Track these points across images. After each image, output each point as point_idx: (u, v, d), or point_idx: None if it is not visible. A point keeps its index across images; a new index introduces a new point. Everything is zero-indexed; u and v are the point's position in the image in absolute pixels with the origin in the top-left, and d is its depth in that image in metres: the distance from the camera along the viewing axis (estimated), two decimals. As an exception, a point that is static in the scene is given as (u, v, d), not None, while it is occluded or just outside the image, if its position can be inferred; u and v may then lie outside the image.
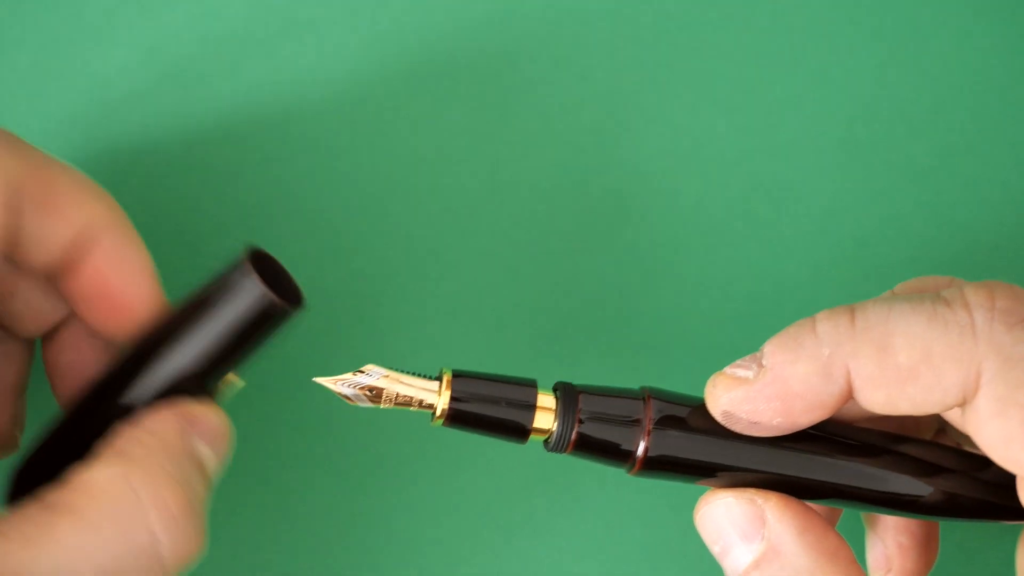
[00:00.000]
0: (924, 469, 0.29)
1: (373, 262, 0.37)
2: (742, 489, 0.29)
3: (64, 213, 0.29)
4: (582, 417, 0.28)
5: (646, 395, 0.29)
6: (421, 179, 0.38)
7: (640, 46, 0.39)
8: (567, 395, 0.28)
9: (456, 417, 0.28)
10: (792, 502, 0.28)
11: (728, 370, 0.28)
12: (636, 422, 0.28)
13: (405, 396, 0.28)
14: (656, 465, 0.28)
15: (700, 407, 0.29)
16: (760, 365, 0.28)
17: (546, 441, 0.28)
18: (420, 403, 0.28)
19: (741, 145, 0.38)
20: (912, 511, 0.29)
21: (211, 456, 0.29)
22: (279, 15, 0.38)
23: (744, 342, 0.34)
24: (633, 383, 0.30)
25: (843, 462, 0.29)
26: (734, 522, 0.28)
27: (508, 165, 0.38)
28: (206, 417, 0.29)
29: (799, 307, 0.37)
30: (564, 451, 0.28)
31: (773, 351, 0.28)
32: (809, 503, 0.29)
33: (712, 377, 0.29)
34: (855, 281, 0.38)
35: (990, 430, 0.26)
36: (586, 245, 0.38)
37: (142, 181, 0.37)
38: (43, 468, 0.29)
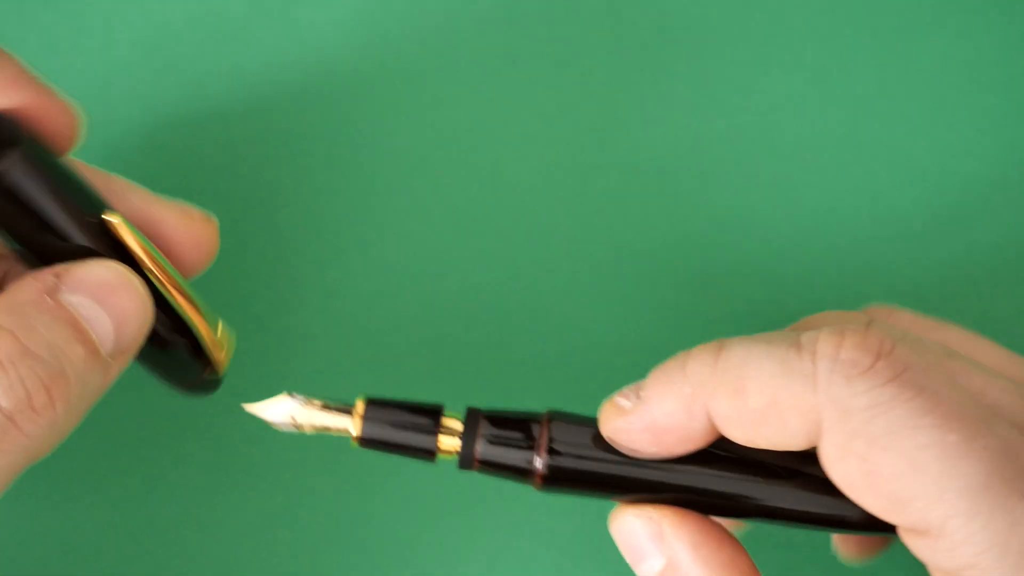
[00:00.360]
0: (823, 488, 0.29)
1: (370, 252, 0.37)
2: (641, 506, 0.30)
3: None
4: (483, 438, 0.30)
5: (547, 417, 0.30)
6: (421, 178, 0.38)
7: (640, 46, 0.39)
8: (470, 418, 0.30)
9: (367, 442, 0.30)
10: (688, 517, 0.30)
11: (616, 396, 0.30)
12: (533, 442, 0.30)
13: (323, 424, 0.30)
14: (555, 482, 0.30)
15: (596, 427, 0.30)
16: (638, 396, 0.29)
17: (458, 460, 0.31)
18: (337, 430, 0.31)
19: (741, 145, 0.38)
20: (806, 524, 0.30)
21: (91, 308, 0.28)
22: (279, 15, 0.38)
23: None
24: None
25: (738, 480, 0.30)
26: (636, 538, 0.30)
27: (507, 164, 0.38)
28: (79, 267, 0.28)
29: (799, 307, 0.37)
30: (472, 469, 0.31)
31: (649, 384, 0.29)
32: (715, 518, 0.30)
33: (604, 402, 0.30)
34: (854, 281, 0.38)
35: (835, 474, 0.27)
36: (585, 244, 0.38)
37: (142, 180, 0.37)
38: None
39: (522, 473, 0.30)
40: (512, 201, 0.38)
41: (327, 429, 0.30)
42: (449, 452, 0.31)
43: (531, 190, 0.38)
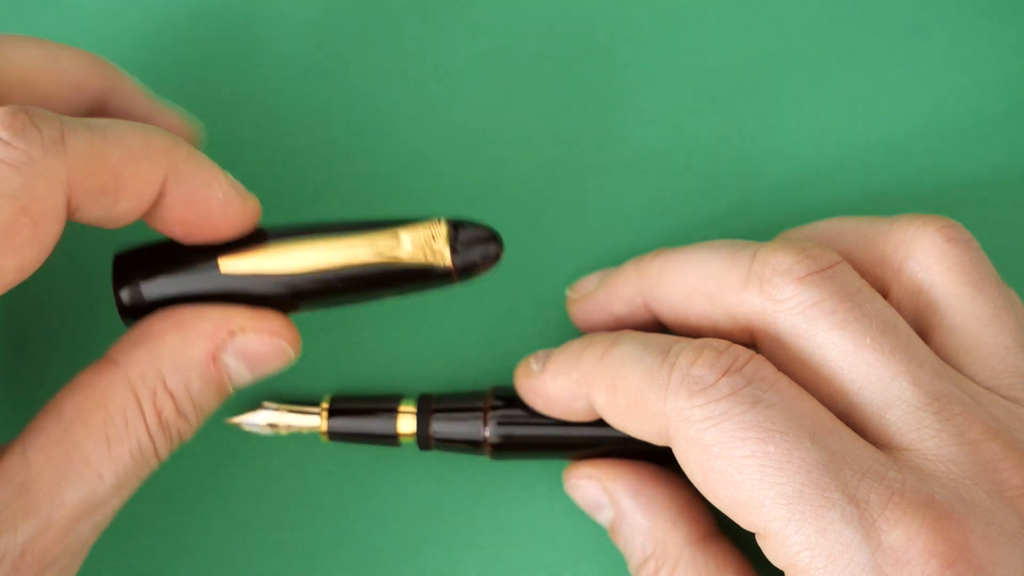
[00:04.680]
0: None
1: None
2: (581, 465, 0.34)
3: (127, 192, 0.29)
4: (435, 419, 0.34)
5: (490, 392, 0.34)
6: (423, 178, 0.38)
7: (640, 46, 0.39)
8: (422, 403, 0.34)
9: (335, 435, 0.35)
10: (624, 467, 0.33)
11: (531, 357, 0.34)
12: (478, 414, 0.34)
13: (296, 425, 0.35)
14: (504, 448, 0.34)
15: None
16: (543, 365, 0.33)
17: (416, 442, 0.34)
18: (309, 429, 0.35)
19: (741, 145, 0.38)
20: None
21: (242, 372, 0.32)
22: (278, 16, 0.38)
23: (744, 342, 0.34)
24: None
25: None
26: (585, 497, 0.34)
27: (507, 164, 0.38)
28: (253, 335, 0.31)
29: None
30: (430, 448, 0.34)
31: (552, 359, 0.33)
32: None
33: (522, 359, 0.34)
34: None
35: (686, 471, 0.30)
36: (584, 244, 0.38)
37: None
38: (140, 260, 0.31)
39: (474, 444, 0.34)
40: (513, 201, 0.38)
41: (300, 429, 0.35)
42: (408, 435, 0.34)
43: (531, 190, 0.38)
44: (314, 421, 0.35)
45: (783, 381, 0.29)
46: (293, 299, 0.32)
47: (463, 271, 0.32)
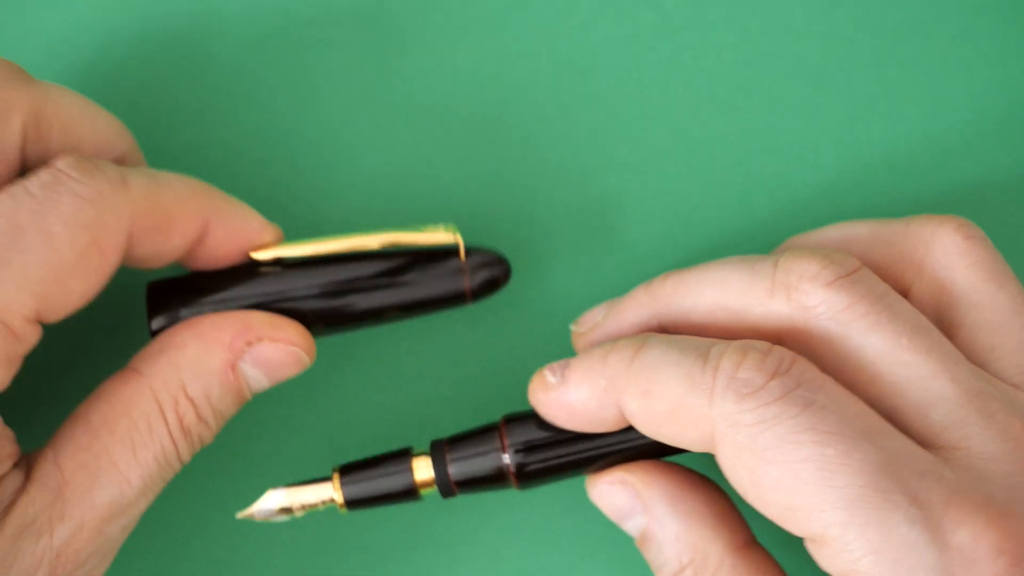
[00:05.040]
0: None
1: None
2: (613, 471, 0.32)
3: (178, 229, 0.32)
4: (451, 464, 0.32)
5: (503, 422, 0.32)
6: (423, 178, 0.38)
7: (640, 46, 0.39)
8: (435, 449, 0.32)
9: (354, 503, 0.33)
10: (659, 471, 0.32)
11: (545, 369, 0.32)
12: (497, 449, 0.32)
13: (310, 503, 0.33)
14: (531, 476, 0.32)
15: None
16: (562, 375, 0.31)
17: (439, 490, 0.32)
18: (324, 503, 0.33)
19: (741, 145, 0.38)
20: None
21: (260, 379, 0.32)
22: (279, 15, 0.38)
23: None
24: None
25: None
26: (614, 503, 0.32)
27: (506, 164, 0.38)
28: (269, 344, 0.32)
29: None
30: (454, 495, 0.32)
31: (572, 367, 0.31)
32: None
33: (536, 372, 0.32)
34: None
35: (731, 479, 0.29)
36: (584, 244, 0.38)
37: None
38: (174, 290, 0.33)
39: (497, 480, 0.32)
40: (511, 203, 0.38)
41: (315, 505, 0.33)
42: (427, 485, 0.32)
43: (530, 191, 0.38)
44: (327, 492, 0.33)
45: (830, 383, 0.29)
46: (319, 299, 0.33)
47: (479, 288, 0.34)
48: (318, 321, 0.33)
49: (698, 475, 0.32)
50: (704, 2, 0.39)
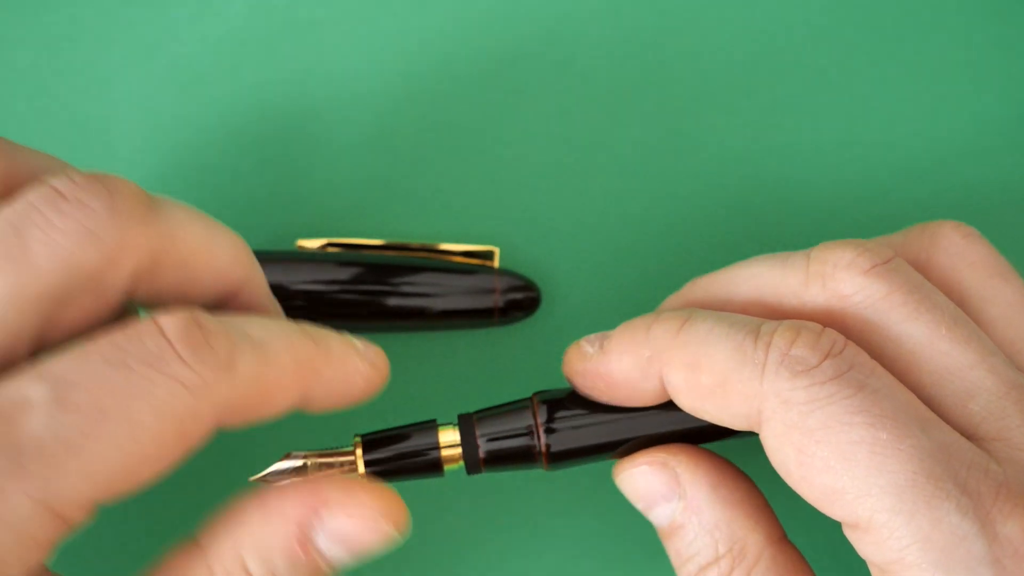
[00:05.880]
0: None
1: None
2: (653, 452, 0.31)
3: (270, 407, 0.29)
4: (481, 438, 0.31)
5: (533, 398, 0.31)
6: (422, 180, 0.38)
7: (640, 46, 0.39)
8: (464, 423, 0.31)
9: (374, 476, 0.30)
10: (701, 456, 0.30)
11: (582, 341, 0.31)
12: (529, 426, 0.30)
13: (328, 469, 0.30)
14: (562, 456, 0.31)
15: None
16: (601, 346, 0.30)
17: (465, 467, 0.31)
18: (343, 472, 0.30)
19: (741, 145, 0.38)
20: None
21: (340, 554, 0.29)
22: (280, 15, 0.39)
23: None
24: None
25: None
26: (652, 486, 0.30)
27: (507, 165, 0.38)
28: (343, 517, 0.29)
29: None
30: (480, 471, 0.31)
31: (614, 337, 0.30)
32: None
33: (571, 344, 0.31)
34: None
35: (774, 460, 0.28)
36: (583, 245, 0.38)
37: (143, 183, 0.37)
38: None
39: (528, 458, 0.31)
40: (513, 201, 0.38)
41: (333, 474, 0.30)
42: (453, 461, 0.31)
43: (530, 191, 0.38)
44: (347, 461, 0.30)
45: (880, 368, 0.28)
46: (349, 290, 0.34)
47: (506, 307, 0.36)
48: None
49: (735, 467, 0.31)
50: (704, 2, 0.39)
